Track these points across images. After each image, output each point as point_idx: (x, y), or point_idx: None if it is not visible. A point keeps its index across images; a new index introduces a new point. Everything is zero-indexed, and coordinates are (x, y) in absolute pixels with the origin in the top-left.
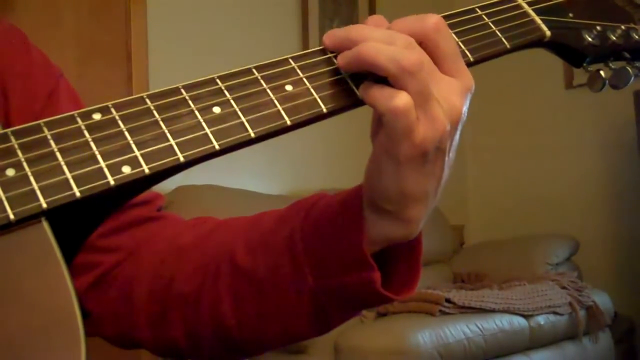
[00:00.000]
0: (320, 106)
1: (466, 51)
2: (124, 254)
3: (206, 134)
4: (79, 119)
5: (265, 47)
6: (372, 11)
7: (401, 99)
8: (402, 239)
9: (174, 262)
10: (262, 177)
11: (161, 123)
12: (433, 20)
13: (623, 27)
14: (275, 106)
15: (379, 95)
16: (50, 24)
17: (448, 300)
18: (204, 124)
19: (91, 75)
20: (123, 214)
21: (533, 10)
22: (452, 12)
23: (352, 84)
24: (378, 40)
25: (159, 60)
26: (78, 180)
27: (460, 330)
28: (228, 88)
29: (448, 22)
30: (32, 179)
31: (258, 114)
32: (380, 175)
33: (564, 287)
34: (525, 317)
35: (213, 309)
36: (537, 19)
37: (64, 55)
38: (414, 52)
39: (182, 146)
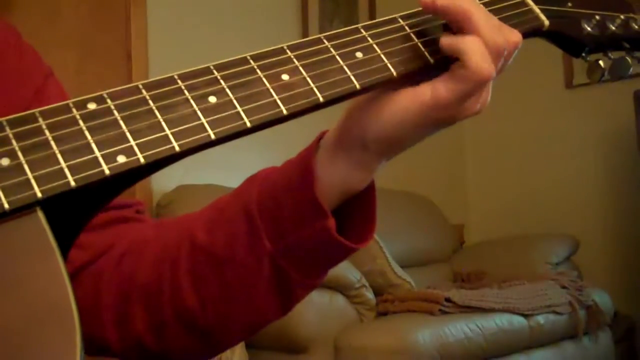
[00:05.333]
0: (316, 94)
1: None
2: (97, 252)
3: (202, 123)
4: (73, 109)
5: (265, 48)
6: (372, 11)
7: (492, 68)
8: (358, 184)
9: (137, 255)
10: None
11: (156, 112)
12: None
13: (622, 16)
14: (272, 96)
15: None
16: (50, 23)
17: (448, 300)
18: (199, 113)
19: (91, 75)
20: (101, 213)
21: None
22: None
23: (350, 72)
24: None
25: (159, 60)
26: (73, 169)
27: (460, 329)
28: (224, 77)
29: None
30: (26, 168)
31: (254, 104)
32: (393, 118)
33: (563, 287)
34: (525, 316)
35: (175, 293)
36: (536, 8)
37: (63, 54)
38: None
39: (177, 135)
